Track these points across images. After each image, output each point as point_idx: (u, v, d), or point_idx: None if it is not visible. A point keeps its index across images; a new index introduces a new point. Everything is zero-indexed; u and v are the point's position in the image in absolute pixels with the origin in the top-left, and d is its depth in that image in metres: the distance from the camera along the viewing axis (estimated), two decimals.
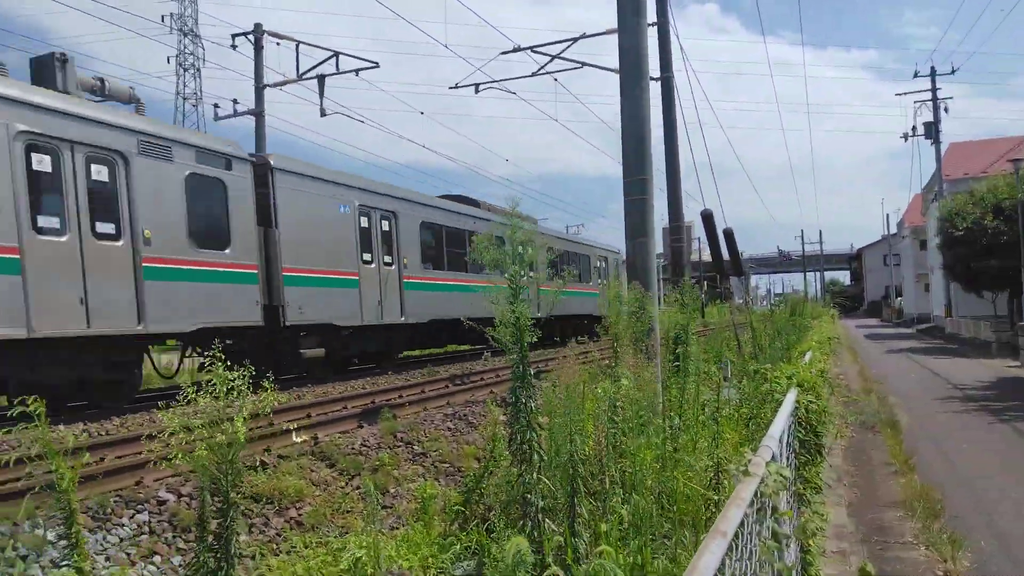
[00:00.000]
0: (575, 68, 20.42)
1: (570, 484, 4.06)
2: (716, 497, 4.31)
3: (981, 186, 30.11)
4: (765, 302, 79.54)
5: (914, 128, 40.88)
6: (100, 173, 10.02)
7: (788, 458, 5.00)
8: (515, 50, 20.33)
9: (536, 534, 3.95)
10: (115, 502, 5.80)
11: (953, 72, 39.91)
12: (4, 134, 8.81)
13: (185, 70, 55.94)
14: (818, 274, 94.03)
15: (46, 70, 10.53)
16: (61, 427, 8.30)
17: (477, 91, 21.58)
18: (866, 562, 5.28)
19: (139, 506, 5.81)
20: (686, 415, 5.46)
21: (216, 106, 24.80)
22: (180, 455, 3.23)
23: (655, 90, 15.40)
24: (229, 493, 3.36)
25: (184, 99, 55.71)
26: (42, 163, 9.29)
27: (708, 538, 2.15)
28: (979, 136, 68.94)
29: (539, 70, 20.61)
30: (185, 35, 55.13)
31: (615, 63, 10.56)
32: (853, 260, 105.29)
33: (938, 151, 39.28)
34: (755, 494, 2.90)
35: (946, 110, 39.17)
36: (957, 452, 9.62)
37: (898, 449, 9.57)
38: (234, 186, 12.26)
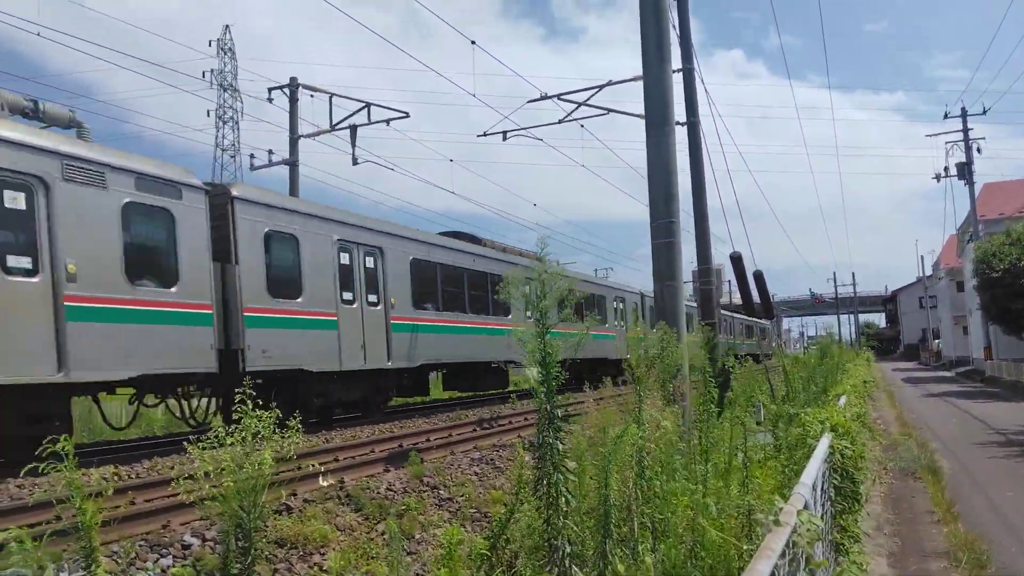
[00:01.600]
0: (601, 115, 20.61)
1: (602, 530, 3.97)
2: (747, 547, 4.17)
3: (1018, 226, 29.56)
4: (798, 345, 78.44)
5: (946, 169, 40.42)
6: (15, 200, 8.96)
7: (823, 506, 4.85)
8: (542, 98, 20.62)
9: None
10: (140, 546, 5.80)
11: (984, 112, 39.35)
12: None
13: (224, 123, 57.73)
14: (852, 316, 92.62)
15: None
16: (92, 470, 8.36)
17: (505, 138, 21.85)
18: None
19: (163, 550, 5.80)
20: (717, 459, 5.34)
21: (252, 156, 25.46)
22: (207, 494, 3.22)
23: (681, 135, 15.45)
24: (252, 533, 3.33)
25: (223, 150, 57.40)
26: None
27: None
28: (1014, 176, 67.96)
29: (566, 117, 20.84)
30: (224, 90, 57.05)
31: (641, 109, 10.66)
32: (888, 302, 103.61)
33: (972, 192, 38.75)
34: (787, 544, 2.80)
35: (979, 150, 38.70)
36: (1002, 499, 9.27)
37: (940, 496, 9.24)
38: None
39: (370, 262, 15.02)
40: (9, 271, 8.73)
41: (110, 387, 10.73)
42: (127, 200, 10.16)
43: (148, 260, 10.59)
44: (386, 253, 15.45)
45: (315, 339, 13.22)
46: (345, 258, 14.28)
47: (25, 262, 8.92)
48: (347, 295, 14.22)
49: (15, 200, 8.93)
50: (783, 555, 2.70)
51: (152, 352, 10.30)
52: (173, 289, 10.72)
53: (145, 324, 10.21)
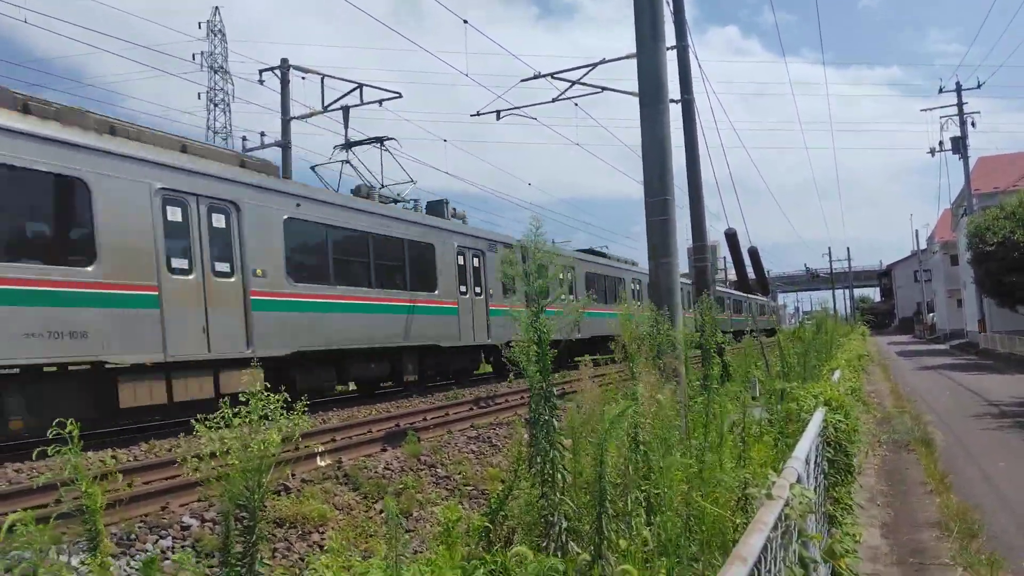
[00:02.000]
0: (595, 93, 20.46)
1: (598, 505, 4.00)
2: (739, 520, 4.22)
3: (1011, 200, 29.57)
4: (794, 320, 78.71)
5: (941, 143, 40.40)
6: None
7: (817, 479, 4.90)
8: (535, 77, 20.42)
9: (560, 555, 3.89)
10: (139, 527, 5.84)
11: (979, 86, 39.25)
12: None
13: (215, 105, 57.20)
14: (847, 291, 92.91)
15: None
16: (90, 453, 8.40)
17: (499, 118, 21.70)
18: None
19: (163, 531, 5.85)
20: (711, 434, 5.37)
21: (244, 139, 25.34)
22: (214, 474, 3.22)
23: (675, 112, 15.41)
24: (256, 511, 3.34)
25: (215, 133, 56.97)
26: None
27: (728, 564, 2.09)
28: (1009, 149, 67.95)
29: (560, 96, 20.68)
30: (215, 72, 56.49)
31: (635, 86, 10.60)
32: (883, 276, 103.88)
33: (966, 165, 38.73)
34: (780, 517, 2.83)
35: (973, 124, 38.65)
36: (994, 470, 9.36)
37: (933, 468, 9.33)
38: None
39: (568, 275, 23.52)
40: (476, 293, 19.13)
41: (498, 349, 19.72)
42: (492, 254, 20.01)
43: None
44: (576, 268, 25.46)
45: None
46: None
47: (477, 289, 19.28)
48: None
49: (476, 262, 19.48)
50: (776, 528, 2.73)
51: (508, 330, 17.14)
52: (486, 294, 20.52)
53: (498, 317, 19.90)
